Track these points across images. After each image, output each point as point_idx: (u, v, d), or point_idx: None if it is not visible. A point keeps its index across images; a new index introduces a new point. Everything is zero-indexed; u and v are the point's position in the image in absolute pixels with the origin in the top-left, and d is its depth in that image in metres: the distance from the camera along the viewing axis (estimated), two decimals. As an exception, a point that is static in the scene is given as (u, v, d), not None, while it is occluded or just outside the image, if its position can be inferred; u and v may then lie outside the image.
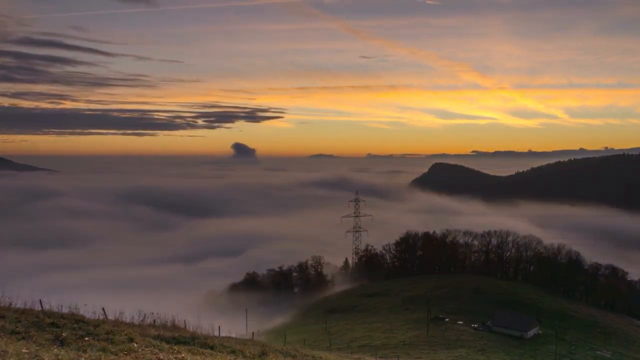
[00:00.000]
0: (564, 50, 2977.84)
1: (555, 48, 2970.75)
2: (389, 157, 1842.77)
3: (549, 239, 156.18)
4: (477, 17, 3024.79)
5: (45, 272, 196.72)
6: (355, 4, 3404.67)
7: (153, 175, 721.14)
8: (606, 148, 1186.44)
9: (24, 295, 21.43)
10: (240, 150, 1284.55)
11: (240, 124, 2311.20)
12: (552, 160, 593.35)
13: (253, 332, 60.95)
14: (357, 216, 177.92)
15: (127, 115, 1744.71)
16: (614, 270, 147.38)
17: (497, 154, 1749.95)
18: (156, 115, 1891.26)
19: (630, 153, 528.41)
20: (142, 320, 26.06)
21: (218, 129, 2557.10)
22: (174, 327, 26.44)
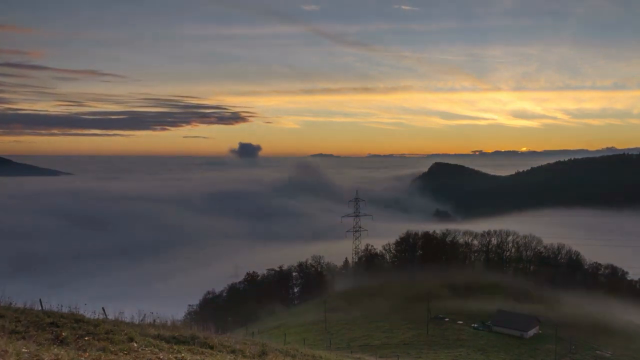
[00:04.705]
0: (552, 54, 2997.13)
1: (542, 52, 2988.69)
2: (390, 157, 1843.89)
3: (549, 238, 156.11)
4: (461, 22, 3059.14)
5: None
6: (335, 10, 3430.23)
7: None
8: (607, 148, 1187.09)
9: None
10: (242, 151, 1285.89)
11: (242, 125, 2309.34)
12: (552, 160, 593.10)
13: (253, 332, 60.94)
14: (357, 216, 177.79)
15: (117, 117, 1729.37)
16: (614, 270, 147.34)
17: (497, 154, 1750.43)
18: (150, 116, 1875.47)
19: (630, 153, 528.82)
20: (142, 320, 26.06)
21: (219, 129, 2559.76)
22: (174, 326, 26.42)
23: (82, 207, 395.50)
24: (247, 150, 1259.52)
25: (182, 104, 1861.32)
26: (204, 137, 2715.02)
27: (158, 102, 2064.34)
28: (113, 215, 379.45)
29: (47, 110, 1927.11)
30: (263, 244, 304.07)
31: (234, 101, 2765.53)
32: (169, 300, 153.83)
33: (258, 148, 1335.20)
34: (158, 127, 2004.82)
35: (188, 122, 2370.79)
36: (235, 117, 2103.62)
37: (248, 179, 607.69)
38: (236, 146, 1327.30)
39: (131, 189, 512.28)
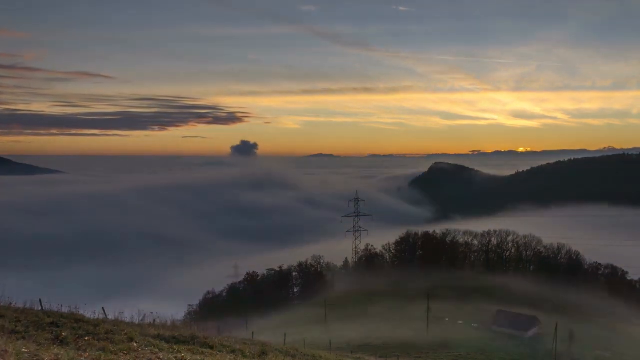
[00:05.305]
0: (551, 55, 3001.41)
1: (541, 52, 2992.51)
2: (390, 157, 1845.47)
3: (549, 238, 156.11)
4: (460, 23, 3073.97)
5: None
6: (331, 12, 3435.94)
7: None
8: (606, 148, 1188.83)
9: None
10: (240, 151, 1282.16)
11: (242, 125, 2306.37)
12: (552, 160, 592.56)
13: (253, 332, 60.85)
14: (357, 216, 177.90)
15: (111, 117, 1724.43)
16: (614, 270, 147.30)
17: (497, 154, 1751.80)
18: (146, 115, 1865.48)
19: (630, 153, 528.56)
20: (142, 320, 26.10)
21: (218, 130, 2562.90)
22: (174, 326, 26.42)
23: (73, 206, 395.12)
24: (245, 150, 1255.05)
25: (181, 104, 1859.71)
26: (202, 137, 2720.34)
27: (156, 102, 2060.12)
28: (102, 213, 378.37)
29: (43, 111, 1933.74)
30: (259, 244, 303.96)
31: (233, 102, 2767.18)
32: (169, 300, 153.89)
33: (256, 148, 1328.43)
34: (156, 127, 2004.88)
35: (186, 123, 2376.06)
36: (235, 118, 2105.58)
37: (244, 179, 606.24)
38: (237, 146, 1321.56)
39: (130, 188, 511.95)
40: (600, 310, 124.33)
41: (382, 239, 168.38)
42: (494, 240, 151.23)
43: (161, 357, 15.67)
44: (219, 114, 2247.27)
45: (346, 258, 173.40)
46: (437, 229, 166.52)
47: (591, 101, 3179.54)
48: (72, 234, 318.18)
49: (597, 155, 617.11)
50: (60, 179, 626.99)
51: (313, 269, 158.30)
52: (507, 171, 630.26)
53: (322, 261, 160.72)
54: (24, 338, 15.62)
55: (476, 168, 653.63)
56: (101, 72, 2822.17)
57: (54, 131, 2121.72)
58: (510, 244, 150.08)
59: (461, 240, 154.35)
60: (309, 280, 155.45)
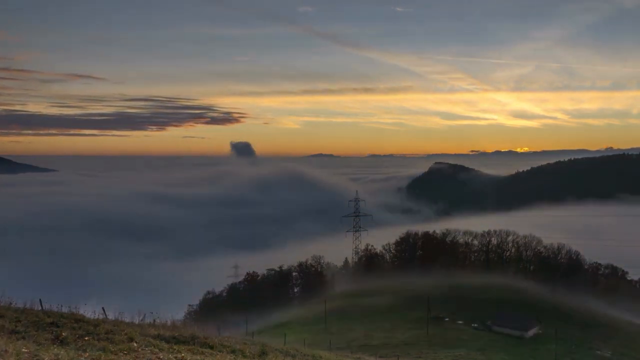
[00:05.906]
0: (551, 55, 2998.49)
1: (541, 52, 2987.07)
2: (390, 157, 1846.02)
3: (549, 238, 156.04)
4: (460, 23, 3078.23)
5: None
6: (329, 12, 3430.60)
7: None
8: (607, 148, 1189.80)
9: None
10: (239, 151, 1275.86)
11: (242, 125, 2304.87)
12: (552, 160, 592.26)
13: (253, 332, 60.85)
14: (357, 216, 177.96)
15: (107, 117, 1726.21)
16: (613, 269, 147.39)
17: (497, 154, 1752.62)
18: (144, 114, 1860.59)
19: (630, 153, 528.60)
20: (142, 320, 26.08)
21: (217, 130, 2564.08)
22: (174, 326, 26.40)
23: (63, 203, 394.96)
24: (243, 151, 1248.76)
25: (179, 105, 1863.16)
26: (201, 138, 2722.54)
27: (154, 103, 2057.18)
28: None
29: (41, 112, 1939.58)
30: (259, 244, 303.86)
31: (233, 102, 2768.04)
32: (168, 300, 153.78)
33: (253, 148, 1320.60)
34: (154, 127, 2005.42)
35: (185, 123, 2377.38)
36: (233, 118, 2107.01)
37: (243, 178, 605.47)
38: (234, 146, 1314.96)
39: (128, 187, 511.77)
40: (600, 310, 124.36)
41: (382, 239, 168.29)
42: (494, 240, 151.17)
43: (161, 357, 15.67)
44: (217, 114, 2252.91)
45: (346, 258, 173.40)
46: (437, 229, 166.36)
47: (591, 101, 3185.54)
48: (68, 232, 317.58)
49: (597, 155, 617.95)
50: (54, 178, 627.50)
51: (313, 269, 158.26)
52: (507, 171, 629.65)
53: (322, 261, 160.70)
54: (24, 338, 15.63)
55: (476, 168, 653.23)
56: (99, 73, 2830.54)
57: (53, 131, 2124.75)
58: (510, 244, 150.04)
59: (461, 240, 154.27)
60: (309, 280, 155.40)
